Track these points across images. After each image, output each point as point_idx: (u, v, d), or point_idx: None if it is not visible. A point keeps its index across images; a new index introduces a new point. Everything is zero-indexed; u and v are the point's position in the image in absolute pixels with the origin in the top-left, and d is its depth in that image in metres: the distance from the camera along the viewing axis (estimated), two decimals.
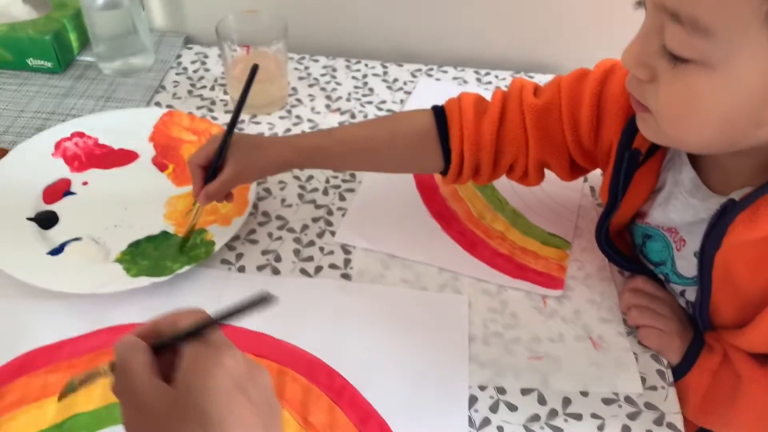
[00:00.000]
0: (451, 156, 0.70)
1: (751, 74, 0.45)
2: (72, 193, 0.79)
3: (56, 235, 0.74)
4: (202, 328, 0.43)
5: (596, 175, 0.86)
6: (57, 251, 0.72)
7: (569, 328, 0.69)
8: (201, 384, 0.40)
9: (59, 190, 0.79)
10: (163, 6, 1.06)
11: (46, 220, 0.76)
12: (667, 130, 0.53)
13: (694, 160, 0.61)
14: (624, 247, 0.73)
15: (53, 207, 0.77)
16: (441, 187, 0.83)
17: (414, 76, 1.03)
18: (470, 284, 0.73)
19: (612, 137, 0.66)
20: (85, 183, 0.81)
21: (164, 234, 0.75)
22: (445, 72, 1.04)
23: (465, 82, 1.02)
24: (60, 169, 0.81)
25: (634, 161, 0.63)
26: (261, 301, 0.44)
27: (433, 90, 1.00)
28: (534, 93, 0.69)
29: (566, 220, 0.80)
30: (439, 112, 0.72)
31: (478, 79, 1.03)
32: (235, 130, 0.70)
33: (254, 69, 0.68)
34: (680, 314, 0.68)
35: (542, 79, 1.04)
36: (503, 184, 0.84)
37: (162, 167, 0.83)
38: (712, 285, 0.60)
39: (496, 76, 1.04)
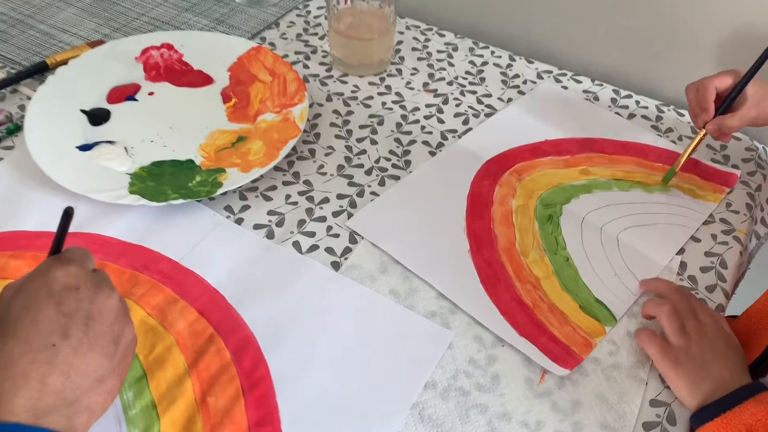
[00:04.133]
0: None
1: None
2: (134, 99, 0.80)
3: (97, 133, 0.75)
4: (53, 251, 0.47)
5: (692, 251, 0.67)
6: (86, 147, 0.72)
7: (555, 419, 0.54)
8: (18, 286, 0.44)
9: (125, 93, 0.80)
10: None
11: (97, 117, 0.76)
12: None
13: None
14: None
15: (111, 107, 0.78)
16: (496, 205, 0.70)
17: (540, 77, 0.88)
18: (466, 323, 0.60)
19: None
20: (151, 93, 0.80)
21: (189, 162, 0.72)
22: (579, 82, 0.88)
23: (596, 99, 0.86)
24: (136, 74, 0.82)
25: None
26: (66, 216, 0.46)
27: (550, 98, 0.85)
28: None
29: (626, 291, 0.63)
30: None
31: (614, 100, 0.86)
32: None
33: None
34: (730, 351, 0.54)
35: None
36: (574, 221, 0.68)
37: (226, 99, 0.80)
38: None
39: (638, 102, 0.86)
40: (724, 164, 0.78)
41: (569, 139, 0.78)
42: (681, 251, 0.67)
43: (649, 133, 0.81)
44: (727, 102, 0.68)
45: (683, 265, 0.66)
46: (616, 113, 0.84)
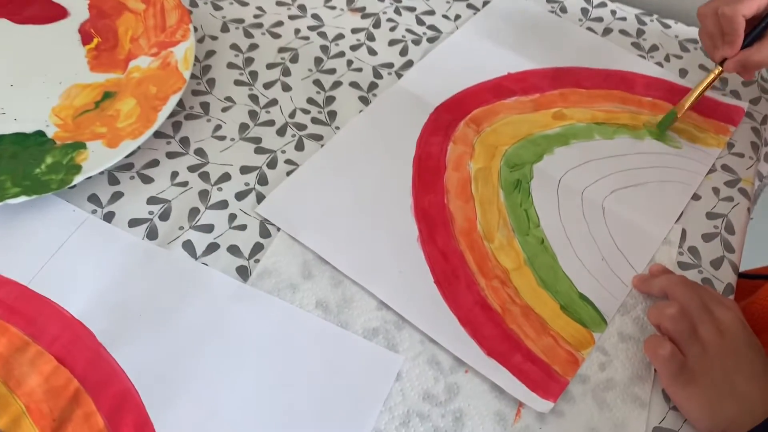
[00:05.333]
0: None
1: None
2: None
3: None
4: None
5: (690, 213, 0.54)
6: None
7: None
8: None
9: None
10: None
11: None
12: None
13: None
14: None
15: None
16: (450, 170, 0.54)
17: None
18: (418, 341, 0.46)
19: None
20: None
21: (37, 136, 0.54)
22: None
23: (563, 10, 0.69)
24: None
25: None
26: None
27: (508, 15, 0.67)
28: None
29: (617, 281, 0.50)
30: None
31: (585, 11, 0.69)
32: None
33: None
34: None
35: (684, 31, 0.68)
36: (548, 186, 0.54)
37: (86, 39, 0.60)
38: None
39: (614, 12, 0.69)
40: (721, 90, 0.63)
41: (537, 70, 0.62)
42: (679, 215, 0.54)
43: (630, 53, 0.65)
44: (759, 29, 0.53)
45: (684, 235, 0.53)
46: (589, 29, 0.68)
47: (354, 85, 0.60)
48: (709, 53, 0.57)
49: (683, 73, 0.64)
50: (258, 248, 0.50)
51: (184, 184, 0.53)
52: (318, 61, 0.62)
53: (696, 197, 0.55)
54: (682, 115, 0.57)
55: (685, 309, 0.45)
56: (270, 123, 0.57)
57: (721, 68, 0.55)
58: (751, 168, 0.58)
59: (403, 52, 0.63)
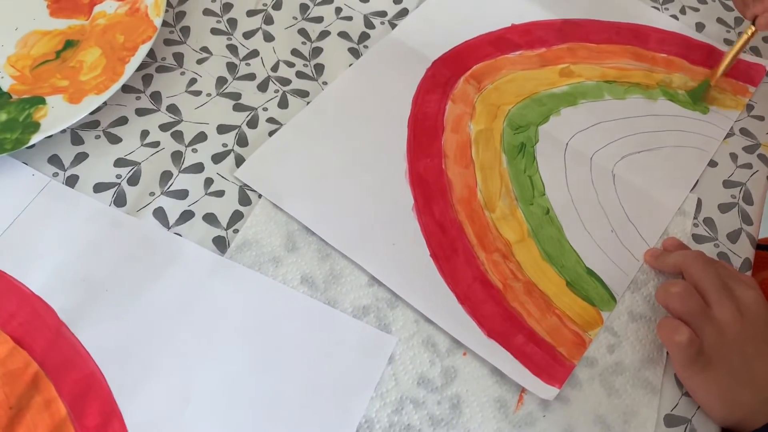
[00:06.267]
0: None
1: None
2: None
3: None
4: None
5: (706, 181, 0.50)
6: None
7: None
8: None
9: None
10: None
11: None
12: None
13: None
14: None
15: None
16: (448, 132, 0.50)
17: None
18: (412, 320, 0.43)
19: None
20: None
21: None
22: None
23: None
24: None
25: None
26: None
27: None
28: None
29: (627, 255, 0.46)
30: None
31: None
32: None
33: None
34: None
35: None
36: (555, 151, 0.49)
37: None
38: None
39: None
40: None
41: (543, 22, 0.57)
42: (694, 185, 0.50)
43: (643, 4, 0.60)
44: None
45: (699, 205, 0.49)
46: None
47: (343, 35, 0.55)
48: (740, 11, 0.52)
49: (700, 26, 0.59)
50: (237, 217, 0.45)
51: (156, 144, 0.48)
52: (303, 8, 0.56)
53: (712, 164, 0.51)
54: (697, 69, 0.53)
55: (700, 286, 0.41)
56: (250, 77, 0.52)
57: (754, 27, 0.51)
58: None
59: None
